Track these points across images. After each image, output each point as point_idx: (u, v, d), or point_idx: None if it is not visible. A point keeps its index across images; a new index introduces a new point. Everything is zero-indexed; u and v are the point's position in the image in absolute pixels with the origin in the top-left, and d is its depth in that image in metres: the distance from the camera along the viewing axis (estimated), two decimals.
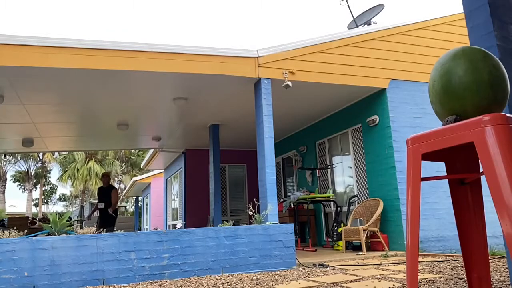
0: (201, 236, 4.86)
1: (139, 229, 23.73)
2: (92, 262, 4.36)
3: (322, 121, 8.73)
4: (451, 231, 6.56)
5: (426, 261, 5.09)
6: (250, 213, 5.51)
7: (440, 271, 4.14)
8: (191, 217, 10.96)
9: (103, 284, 4.35)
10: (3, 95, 6.17)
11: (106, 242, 4.46)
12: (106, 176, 8.68)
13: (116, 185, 35.44)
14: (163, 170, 15.63)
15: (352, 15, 9.74)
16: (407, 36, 7.19)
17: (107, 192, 8.30)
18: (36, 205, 36.46)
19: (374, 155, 7.05)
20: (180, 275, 4.65)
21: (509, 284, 3.21)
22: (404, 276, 3.96)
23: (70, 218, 11.54)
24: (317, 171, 8.72)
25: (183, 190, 11.48)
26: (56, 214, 4.74)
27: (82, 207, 26.02)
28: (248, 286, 3.85)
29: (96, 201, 8.68)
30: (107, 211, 8.15)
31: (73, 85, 6.09)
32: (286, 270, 5.01)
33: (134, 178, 20.80)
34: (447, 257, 5.40)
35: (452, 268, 4.33)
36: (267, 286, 3.77)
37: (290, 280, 4.13)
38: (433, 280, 3.59)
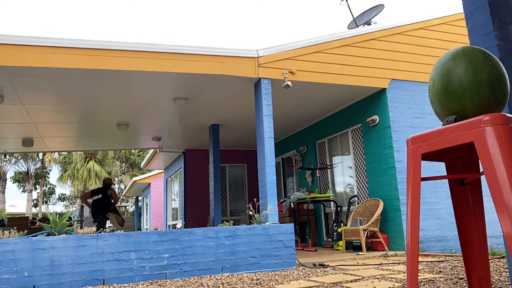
0: (201, 236, 4.86)
1: (139, 229, 23.73)
2: (92, 262, 4.36)
3: (322, 121, 8.73)
4: (451, 231, 6.56)
5: (426, 261, 5.09)
6: (250, 213, 5.51)
7: (440, 271, 4.14)
8: (191, 217, 10.96)
9: (103, 284, 4.35)
10: (3, 95, 6.18)
11: (106, 242, 4.46)
12: (107, 180, 9.38)
13: (116, 185, 35.46)
14: (163, 170, 15.63)
15: (352, 15, 9.75)
16: (407, 36, 7.18)
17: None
18: (36, 205, 36.43)
19: (374, 155, 7.05)
20: (180, 275, 4.65)
21: (509, 284, 3.21)
22: (404, 276, 3.96)
23: (70, 218, 11.60)
24: (317, 171, 8.72)
25: (183, 190, 11.47)
26: (56, 214, 4.74)
27: (82, 207, 26.01)
28: (248, 286, 3.85)
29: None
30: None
31: (73, 85, 6.09)
32: (286, 270, 5.01)
33: (134, 178, 20.79)
34: (447, 257, 5.40)
35: (452, 268, 4.33)
36: (267, 286, 3.77)
37: (290, 280, 4.13)
38: (433, 280, 3.59)
